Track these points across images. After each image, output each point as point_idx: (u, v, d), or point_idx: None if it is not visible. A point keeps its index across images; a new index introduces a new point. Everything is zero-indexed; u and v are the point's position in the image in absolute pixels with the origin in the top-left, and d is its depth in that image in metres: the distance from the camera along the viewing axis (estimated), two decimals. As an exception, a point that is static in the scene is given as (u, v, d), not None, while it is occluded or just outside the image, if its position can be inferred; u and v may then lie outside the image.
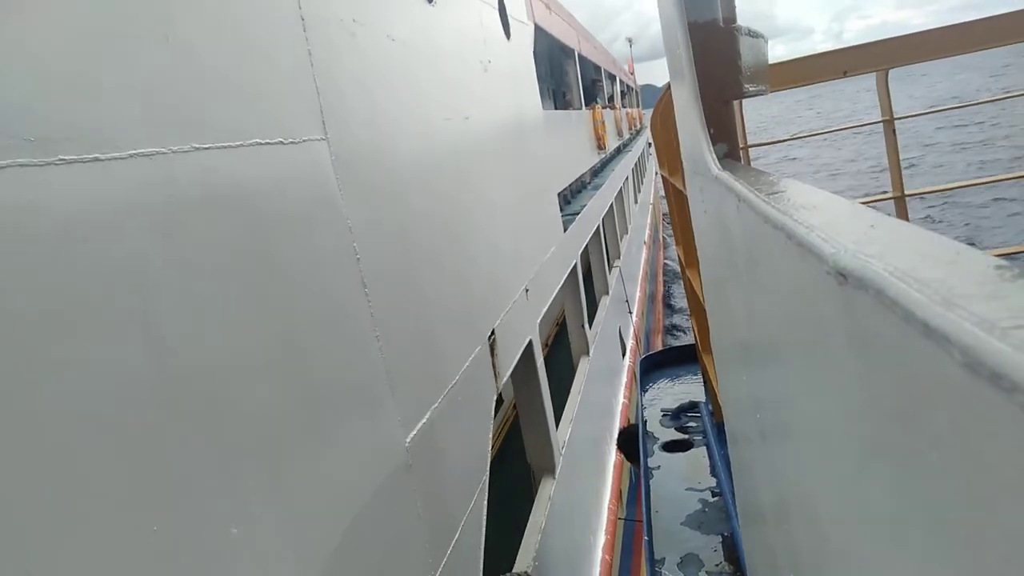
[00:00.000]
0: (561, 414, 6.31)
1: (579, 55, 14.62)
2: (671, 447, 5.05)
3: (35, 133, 1.42)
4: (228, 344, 1.90)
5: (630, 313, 12.63)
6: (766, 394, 1.29)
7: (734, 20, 1.80)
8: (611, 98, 23.45)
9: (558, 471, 5.69)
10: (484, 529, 3.65)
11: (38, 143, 1.42)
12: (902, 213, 4.27)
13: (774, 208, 0.92)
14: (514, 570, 4.14)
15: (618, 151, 19.59)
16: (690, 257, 4.40)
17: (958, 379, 0.42)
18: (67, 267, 1.45)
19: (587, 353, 8.30)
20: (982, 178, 4.81)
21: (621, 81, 28.68)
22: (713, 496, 4.33)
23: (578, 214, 8.82)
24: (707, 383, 4.83)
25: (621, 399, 9.64)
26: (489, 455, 3.95)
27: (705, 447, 4.83)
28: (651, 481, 4.65)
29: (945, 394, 0.45)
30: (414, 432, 2.91)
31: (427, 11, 3.90)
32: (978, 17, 4.27)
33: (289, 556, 1.99)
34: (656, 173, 28.06)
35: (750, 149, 4.25)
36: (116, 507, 1.45)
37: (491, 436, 4.03)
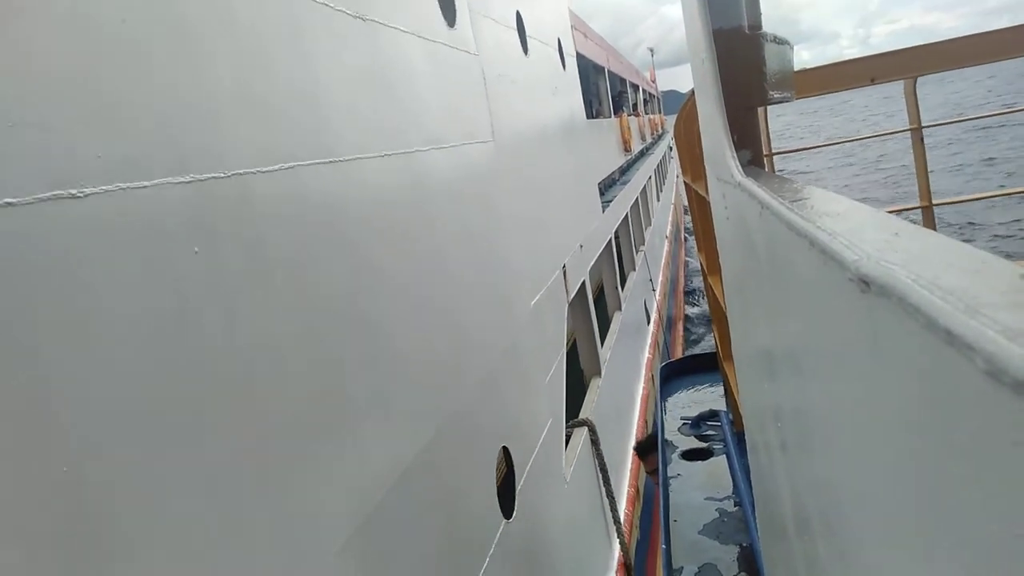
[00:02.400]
0: (603, 341, 8.49)
1: (608, 71, 16.95)
2: (691, 455, 5.02)
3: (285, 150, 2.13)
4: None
5: (653, 291, 14.88)
6: (787, 402, 1.28)
7: (759, 27, 1.80)
8: (635, 106, 25.43)
9: (603, 373, 7.71)
10: (564, 379, 5.58)
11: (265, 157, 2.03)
12: (929, 223, 4.22)
13: (797, 215, 0.91)
14: (579, 417, 6.36)
15: (642, 154, 21.53)
16: (712, 264, 4.38)
17: (981, 387, 0.42)
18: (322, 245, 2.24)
19: (619, 309, 10.17)
20: (1014, 188, 4.74)
21: (643, 90, 31.37)
22: (733, 506, 4.29)
23: (611, 202, 10.80)
24: (728, 391, 4.79)
25: (646, 355, 11.69)
26: (565, 338, 5.78)
27: (725, 456, 4.80)
28: (670, 489, 4.63)
29: (968, 402, 0.44)
30: (535, 300, 5.00)
31: (528, 59, 6.11)
32: (1010, 23, 4.21)
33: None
34: (677, 176, 28.44)
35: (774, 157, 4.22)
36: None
37: (566, 327, 5.88)
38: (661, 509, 4.44)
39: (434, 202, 3.31)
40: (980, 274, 0.55)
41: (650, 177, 20.38)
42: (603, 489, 6.22)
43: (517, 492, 3.97)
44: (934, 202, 4.20)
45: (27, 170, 1.35)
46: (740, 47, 1.72)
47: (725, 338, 4.20)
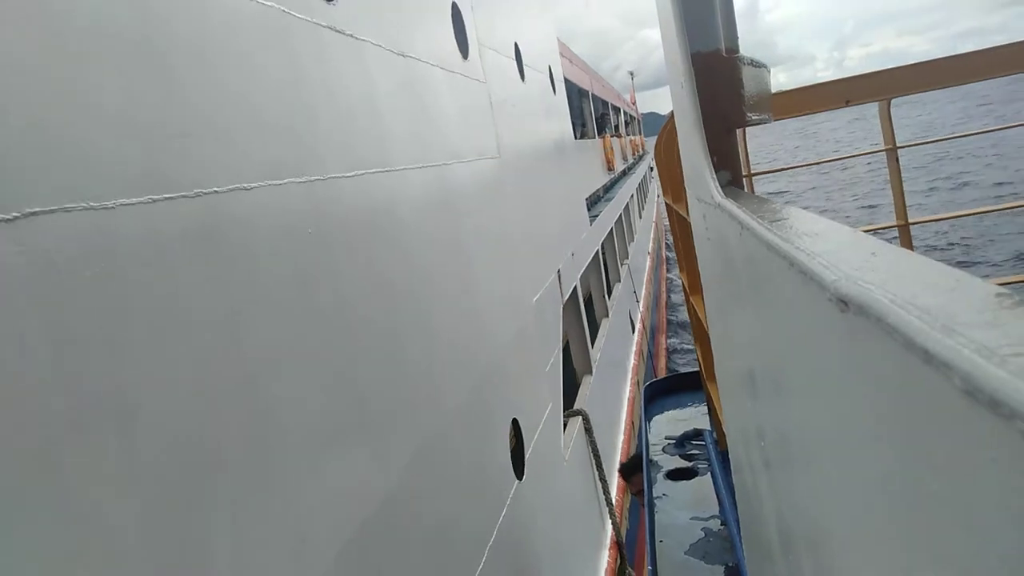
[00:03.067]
0: (593, 343, 9.11)
1: (592, 94, 18.07)
2: (675, 475, 5.01)
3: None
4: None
5: (637, 302, 15.69)
6: (769, 421, 1.29)
7: (736, 50, 1.83)
8: (616, 127, 26.50)
9: (594, 372, 8.31)
10: (561, 371, 6.16)
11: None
12: (906, 242, 4.27)
13: (776, 235, 0.93)
14: (574, 408, 6.97)
15: (623, 173, 22.60)
16: (694, 283, 4.41)
17: (958, 405, 0.42)
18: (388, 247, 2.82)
19: (607, 315, 10.88)
20: (988, 207, 4.82)
21: (624, 112, 32.66)
22: (719, 525, 4.28)
23: (597, 216, 11.56)
24: (712, 410, 4.80)
25: (632, 360, 12.40)
26: (561, 334, 6.38)
27: (710, 475, 4.79)
28: (655, 510, 4.61)
29: (945, 420, 0.45)
30: (536, 297, 5.58)
31: (524, 85, 6.71)
32: (979, 46, 4.31)
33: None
34: (658, 196, 28.99)
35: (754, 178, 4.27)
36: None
37: (561, 325, 6.50)
38: (647, 529, 4.42)
39: (457, 208, 3.91)
40: (956, 292, 0.55)
41: (632, 195, 21.40)
42: (596, 473, 6.75)
43: (527, 459, 4.54)
44: (910, 220, 4.26)
45: (215, 168, 1.80)
46: (718, 70, 1.74)
47: (708, 357, 4.22)
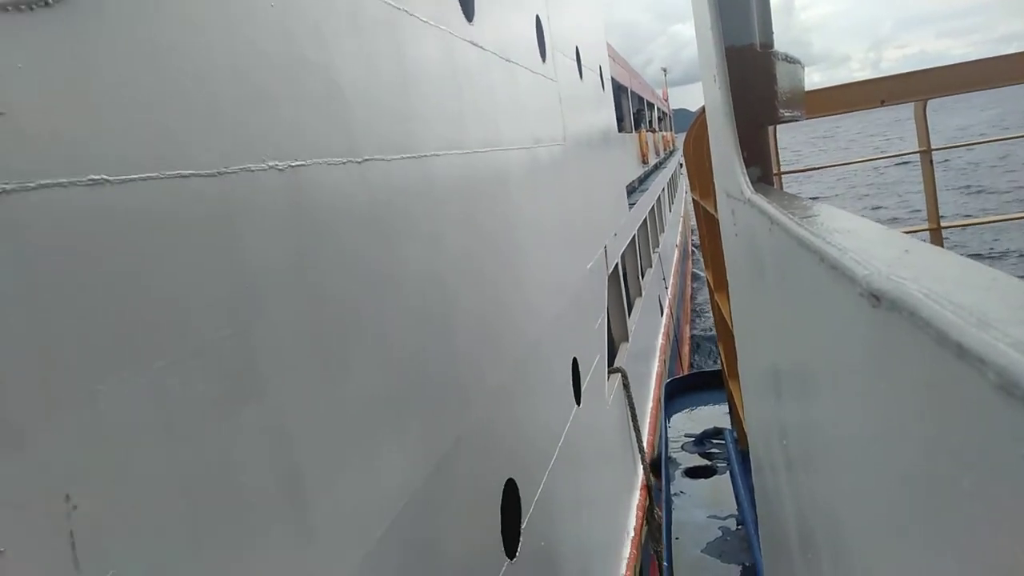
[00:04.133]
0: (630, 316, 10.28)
1: (630, 91, 19.48)
2: (694, 473, 4.99)
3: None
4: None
5: (665, 288, 16.91)
6: (794, 419, 1.28)
7: (771, 45, 1.81)
8: (650, 123, 27.55)
9: (630, 339, 9.49)
10: (606, 333, 7.19)
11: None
12: (938, 245, 4.21)
13: (807, 231, 0.92)
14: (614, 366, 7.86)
15: (656, 167, 23.38)
16: (719, 281, 4.38)
17: (992, 401, 0.42)
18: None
19: (640, 295, 12.14)
20: None
21: (658, 108, 34.14)
22: (735, 525, 4.26)
23: (633, 205, 12.57)
24: (732, 409, 4.77)
25: (660, 339, 13.64)
26: (606, 301, 7.30)
27: (729, 474, 4.77)
28: (672, 507, 4.60)
29: (978, 416, 0.44)
30: (589, 265, 6.52)
31: (582, 83, 7.70)
32: (1020, 49, 4.22)
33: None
34: (686, 192, 29.13)
35: (783, 176, 4.22)
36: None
37: (606, 294, 7.37)
38: (664, 526, 4.41)
39: (537, 182, 4.81)
40: (991, 291, 0.55)
41: (663, 188, 22.45)
42: (631, 422, 7.82)
43: (583, 390, 5.45)
44: (942, 224, 4.19)
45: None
46: (752, 65, 1.73)
47: (731, 356, 4.19)
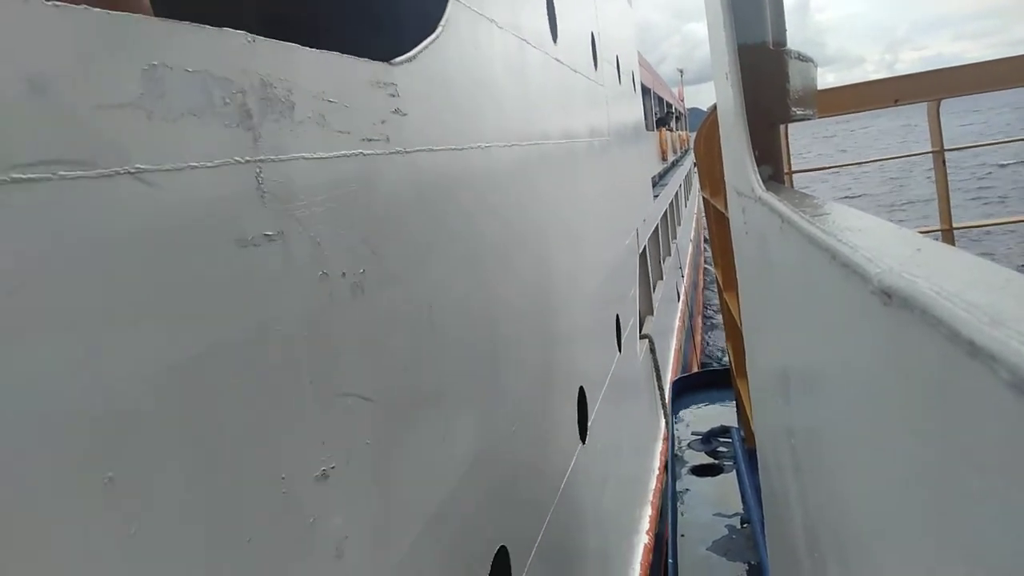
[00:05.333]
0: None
1: (653, 92, 21.38)
2: (700, 471, 4.98)
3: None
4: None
5: (682, 276, 18.34)
6: (803, 418, 1.27)
7: (784, 44, 1.80)
8: (668, 123, 29.00)
9: (654, 313, 10.69)
10: (637, 304, 8.41)
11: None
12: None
13: (818, 229, 0.91)
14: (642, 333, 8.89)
15: (673, 164, 24.97)
16: (728, 280, 4.36)
17: (1004, 399, 0.42)
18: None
19: (661, 279, 13.14)
20: (1034, 214, 4.69)
21: (675, 108, 36.53)
22: (741, 524, 4.26)
23: (656, 197, 13.95)
24: (740, 408, 4.76)
25: (676, 322, 14.80)
26: (636, 276, 8.37)
27: (735, 473, 4.76)
28: (679, 504, 4.60)
29: (990, 415, 0.44)
30: (626, 242, 7.76)
31: (620, 86, 8.76)
32: (1037, 51, 4.18)
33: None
34: (699, 191, 29.50)
35: (794, 176, 4.20)
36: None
37: (636, 271, 8.46)
38: (669, 524, 4.41)
39: (591, 169, 5.93)
40: (1005, 290, 0.54)
41: (680, 184, 23.92)
42: (656, 383, 9.05)
43: (622, 341, 6.58)
44: (955, 225, 4.17)
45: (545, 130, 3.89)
46: (764, 63, 1.72)
47: (739, 354, 4.18)
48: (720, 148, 2.85)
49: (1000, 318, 0.46)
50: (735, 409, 5.17)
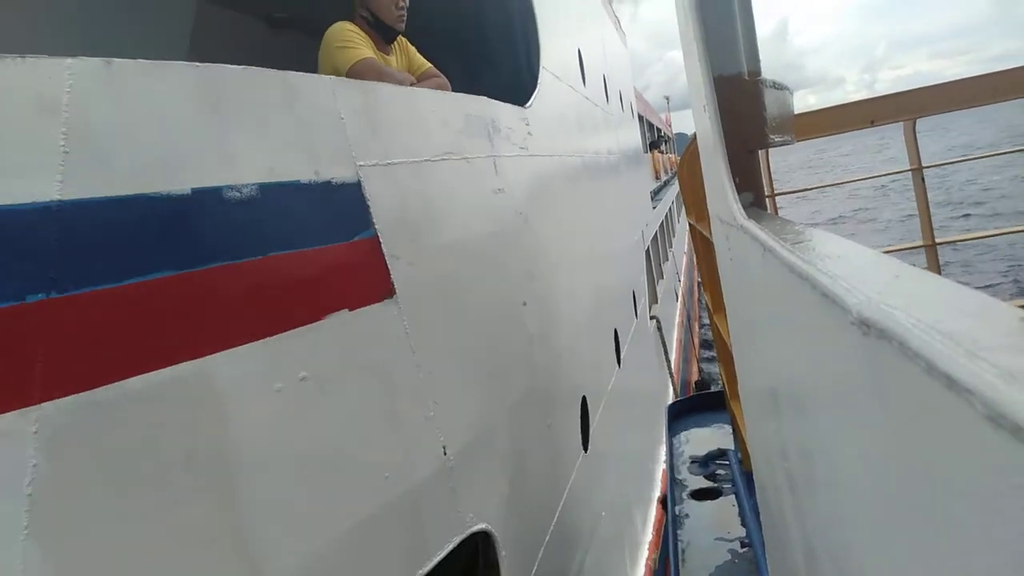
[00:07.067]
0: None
1: (645, 119, 24.16)
2: (699, 495, 4.95)
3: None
4: None
5: (679, 281, 20.68)
6: (793, 443, 1.28)
7: (759, 73, 1.83)
8: (659, 146, 32.31)
9: (659, 300, 12.39)
10: (646, 290, 10.19)
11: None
12: (933, 262, 4.22)
13: (798, 257, 0.93)
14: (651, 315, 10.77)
15: (665, 183, 27.41)
16: (717, 302, 4.39)
17: (981, 432, 0.42)
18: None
19: (662, 277, 14.99)
20: (1019, 227, 4.75)
21: (664, 132, 40.98)
22: (742, 547, 4.23)
23: (655, 208, 16.33)
24: (736, 430, 4.75)
25: (676, 319, 16.77)
26: (644, 268, 10.29)
27: (734, 496, 4.74)
28: (679, 530, 4.56)
29: (968, 447, 0.45)
30: (636, 237, 10.21)
31: (622, 113, 10.72)
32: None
33: None
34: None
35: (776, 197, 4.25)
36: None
37: (644, 264, 10.35)
38: (671, 549, 4.37)
39: (611, 176, 7.98)
40: (981, 318, 0.56)
41: (672, 201, 26.18)
42: (664, 357, 10.80)
43: (637, 312, 8.20)
44: (937, 241, 4.22)
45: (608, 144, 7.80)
46: (740, 93, 1.75)
47: (732, 377, 4.18)
48: (702, 175, 2.89)
49: (975, 349, 0.47)
50: (731, 431, 5.16)
